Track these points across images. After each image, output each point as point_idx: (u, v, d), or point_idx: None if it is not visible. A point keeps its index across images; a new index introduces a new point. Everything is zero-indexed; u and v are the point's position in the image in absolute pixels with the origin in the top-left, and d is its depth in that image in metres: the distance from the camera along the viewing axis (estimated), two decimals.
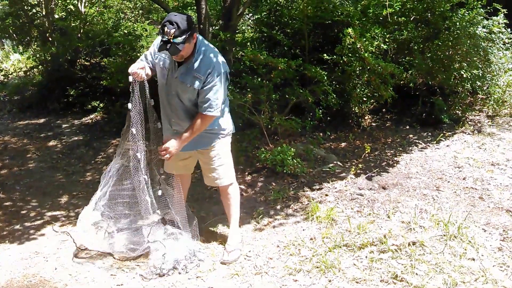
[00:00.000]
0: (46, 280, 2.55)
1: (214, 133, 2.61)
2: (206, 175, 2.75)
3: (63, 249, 2.88)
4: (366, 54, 4.04)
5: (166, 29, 2.24)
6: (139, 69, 2.43)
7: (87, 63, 7.04)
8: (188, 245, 2.68)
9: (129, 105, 2.45)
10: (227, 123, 2.66)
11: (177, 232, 2.71)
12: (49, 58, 6.91)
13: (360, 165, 3.92)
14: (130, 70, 2.44)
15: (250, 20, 6.22)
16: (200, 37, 2.47)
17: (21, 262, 2.74)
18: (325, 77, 4.22)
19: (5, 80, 8.65)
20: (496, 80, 4.84)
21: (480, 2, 4.56)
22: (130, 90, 2.43)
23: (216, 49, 2.53)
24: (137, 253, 2.68)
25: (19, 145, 5.50)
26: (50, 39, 6.96)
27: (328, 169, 3.94)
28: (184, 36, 2.26)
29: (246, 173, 3.98)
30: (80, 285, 2.49)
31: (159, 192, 2.63)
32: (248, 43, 5.39)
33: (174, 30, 2.24)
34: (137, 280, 2.52)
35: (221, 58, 2.49)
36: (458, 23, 4.48)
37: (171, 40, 2.24)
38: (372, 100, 4.79)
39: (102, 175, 2.77)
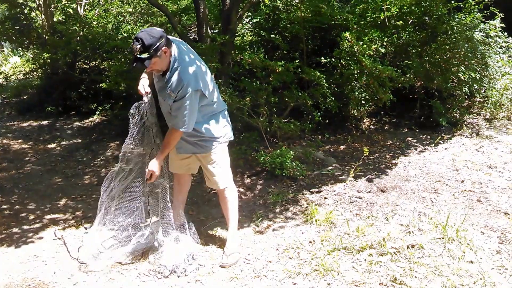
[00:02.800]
0: (45, 284, 2.54)
1: (208, 139, 2.63)
2: (206, 178, 2.79)
3: (62, 253, 2.88)
4: (362, 58, 4.06)
5: (133, 45, 2.33)
6: (142, 86, 2.57)
7: (86, 66, 7.05)
8: (188, 248, 2.68)
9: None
10: (221, 130, 2.67)
11: (177, 235, 2.72)
12: (48, 61, 6.91)
13: (358, 168, 3.93)
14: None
15: (249, 24, 6.24)
16: (177, 51, 2.45)
17: (20, 266, 2.73)
18: (324, 80, 4.23)
19: (4, 83, 8.65)
20: (494, 83, 4.87)
21: (477, 6, 4.59)
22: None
23: (195, 62, 2.51)
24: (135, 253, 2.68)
25: (18, 148, 5.50)
26: (49, 42, 6.96)
27: (327, 172, 3.95)
28: (150, 51, 2.32)
29: (245, 176, 3.99)
30: None
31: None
32: (247, 47, 5.41)
33: (139, 46, 2.32)
34: (136, 283, 2.52)
35: (197, 74, 2.46)
36: (455, 27, 4.51)
37: (138, 56, 2.33)
38: (371, 103, 4.81)
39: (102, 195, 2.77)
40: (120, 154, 2.72)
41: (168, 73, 2.46)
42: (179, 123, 2.46)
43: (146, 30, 2.38)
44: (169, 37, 2.45)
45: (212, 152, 2.65)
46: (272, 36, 5.07)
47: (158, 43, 2.33)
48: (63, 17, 7.49)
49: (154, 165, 2.54)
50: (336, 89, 4.56)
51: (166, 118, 2.63)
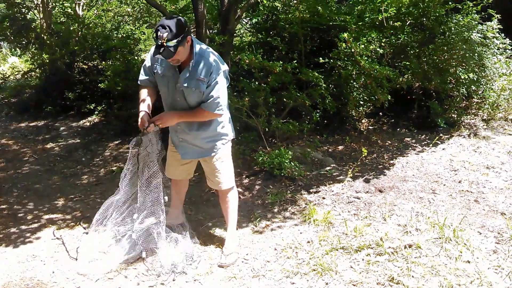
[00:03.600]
0: (43, 284, 2.54)
1: (218, 138, 2.62)
2: (210, 179, 2.77)
3: (60, 253, 2.87)
4: (360, 58, 4.08)
5: (159, 33, 2.26)
6: (143, 119, 2.46)
7: (84, 66, 7.05)
8: (186, 248, 2.69)
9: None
10: (229, 129, 2.69)
11: (175, 235, 2.72)
12: (47, 61, 6.91)
13: (357, 168, 3.94)
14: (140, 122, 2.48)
15: (247, 25, 6.26)
16: (195, 39, 2.49)
17: (18, 266, 2.73)
18: (322, 81, 4.25)
19: (3, 82, 8.65)
20: (491, 84, 4.90)
21: (475, 8, 4.62)
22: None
23: (210, 49, 2.55)
24: (133, 255, 2.68)
25: (16, 147, 5.49)
26: (47, 42, 6.97)
27: (325, 172, 3.97)
28: (177, 39, 2.27)
29: (244, 176, 3.99)
30: None
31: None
32: (246, 47, 5.42)
33: (167, 33, 2.25)
34: (135, 283, 2.52)
35: (218, 57, 2.51)
36: (453, 28, 4.54)
37: (165, 44, 2.26)
38: (369, 104, 4.83)
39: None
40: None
41: (190, 61, 2.43)
42: (214, 105, 2.44)
43: (171, 18, 2.30)
44: None
45: (218, 152, 2.64)
46: (271, 36, 5.08)
47: (184, 31, 2.31)
48: (62, 17, 7.50)
49: (166, 118, 2.49)
50: (334, 89, 4.58)
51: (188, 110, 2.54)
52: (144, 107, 2.52)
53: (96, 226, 2.73)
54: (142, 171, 2.59)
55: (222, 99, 2.47)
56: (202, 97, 2.47)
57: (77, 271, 2.65)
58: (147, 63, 2.60)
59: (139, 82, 2.65)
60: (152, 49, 2.47)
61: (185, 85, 2.45)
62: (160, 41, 2.26)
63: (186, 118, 2.54)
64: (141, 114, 2.48)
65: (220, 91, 2.45)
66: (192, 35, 2.50)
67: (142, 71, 2.64)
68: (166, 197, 2.68)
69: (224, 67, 2.50)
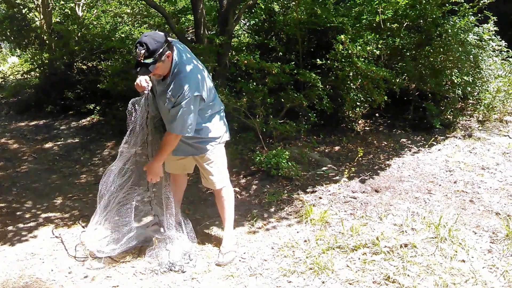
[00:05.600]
0: (42, 281, 2.56)
1: (208, 140, 2.64)
2: (203, 177, 2.81)
3: (59, 251, 2.90)
4: (357, 59, 4.11)
5: (137, 50, 2.30)
6: (141, 81, 2.54)
7: (84, 67, 7.07)
8: (184, 246, 2.71)
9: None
10: (219, 131, 2.69)
11: (173, 234, 2.74)
12: (46, 61, 6.93)
13: (353, 169, 3.97)
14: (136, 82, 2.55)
15: (246, 26, 6.29)
16: (177, 55, 2.45)
17: (17, 263, 2.75)
18: (319, 82, 4.27)
19: (3, 82, 8.66)
20: (486, 86, 4.93)
21: (471, 10, 4.65)
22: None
23: (196, 65, 2.51)
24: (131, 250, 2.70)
25: (15, 147, 5.51)
26: (47, 42, 6.98)
27: (322, 172, 3.99)
28: (153, 57, 2.30)
29: (241, 176, 4.02)
30: (76, 286, 2.51)
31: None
32: (244, 48, 5.45)
33: (143, 51, 2.28)
34: (133, 281, 2.54)
35: (197, 78, 2.45)
36: (449, 30, 4.56)
37: (142, 61, 2.29)
38: (366, 105, 4.86)
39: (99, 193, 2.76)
40: (119, 151, 2.72)
41: (168, 77, 2.45)
42: (177, 127, 2.45)
43: (150, 34, 2.33)
44: (169, 39, 2.44)
45: (210, 153, 2.66)
46: (269, 38, 5.11)
47: (162, 48, 2.32)
48: (62, 17, 7.52)
49: (152, 169, 2.57)
50: (331, 90, 4.60)
51: (165, 121, 2.63)
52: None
53: (95, 223, 2.75)
54: (154, 133, 2.66)
55: (189, 121, 2.44)
56: (168, 114, 2.49)
57: (75, 259, 2.70)
58: None
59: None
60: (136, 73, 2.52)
61: (159, 97, 2.54)
62: (138, 58, 2.30)
63: (161, 156, 2.57)
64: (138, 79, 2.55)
65: (186, 115, 2.42)
66: (180, 47, 2.51)
67: None
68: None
69: (197, 93, 2.41)
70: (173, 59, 2.43)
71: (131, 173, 2.75)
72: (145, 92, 2.57)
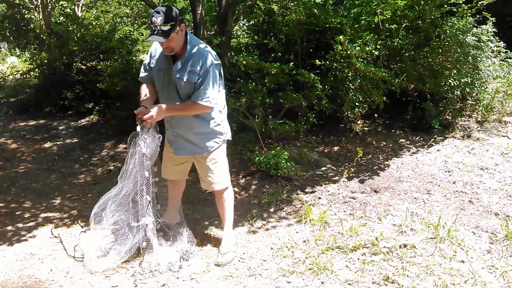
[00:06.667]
0: (41, 281, 2.55)
1: (212, 136, 2.62)
2: (202, 179, 2.78)
3: (58, 251, 2.89)
4: (355, 60, 4.12)
5: (153, 18, 2.33)
6: (142, 114, 2.44)
7: (83, 67, 7.07)
8: (183, 247, 2.71)
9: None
10: (225, 128, 2.70)
11: (172, 234, 2.75)
12: (46, 61, 6.93)
13: (352, 169, 3.98)
14: (137, 113, 2.47)
15: (245, 26, 6.29)
16: (190, 34, 2.53)
17: (16, 264, 2.75)
18: (318, 82, 4.28)
19: (2, 82, 8.65)
20: (485, 86, 4.94)
21: (469, 11, 4.66)
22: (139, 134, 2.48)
23: (205, 44, 2.58)
24: (130, 253, 2.70)
25: (15, 147, 5.50)
26: (46, 42, 6.98)
27: (321, 173, 4.00)
28: (170, 23, 2.33)
29: (241, 176, 4.02)
30: (75, 287, 2.51)
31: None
32: (243, 48, 5.45)
33: (160, 18, 2.32)
34: (132, 281, 2.54)
35: (211, 50, 2.54)
36: (448, 31, 4.57)
37: (158, 28, 2.32)
38: (365, 105, 4.86)
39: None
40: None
41: (184, 52, 2.46)
42: (201, 96, 2.43)
43: (165, 6, 2.40)
44: None
45: (213, 152, 2.65)
46: (268, 38, 5.11)
47: (178, 18, 2.37)
48: (61, 17, 7.52)
49: (156, 113, 2.45)
50: (330, 91, 4.61)
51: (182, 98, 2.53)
52: (145, 102, 2.56)
53: (94, 223, 2.74)
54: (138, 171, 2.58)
55: (213, 92, 2.46)
56: (194, 90, 2.47)
57: (74, 259, 2.68)
58: (146, 60, 2.65)
59: (139, 79, 2.71)
60: (151, 48, 2.54)
61: (178, 76, 2.47)
62: (154, 26, 2.33)
63: (175, 110, 2.54)
64: (138, 109, 2.50)
65: (211, 83, 2.45)
66: (187, 29, 2.53)
67: (142, 69, 2.69)
68: (159, 206, 2.70)
69: (217, 61, 2.52)
70: (186, 33, 2.46)
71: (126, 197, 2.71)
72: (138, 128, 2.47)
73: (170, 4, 6.62)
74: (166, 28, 2.32)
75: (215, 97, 2.50)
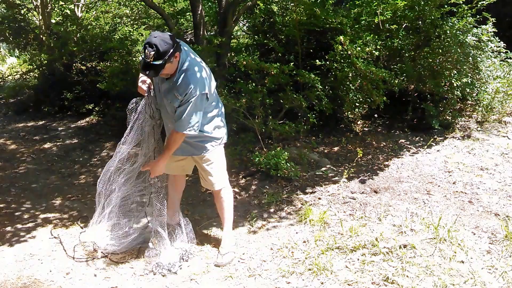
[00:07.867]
0: (40, 282, 2.56)
1: (208, 140, 2.64)
2: (202, 178, 2.81)
3: (57, 251, 2.89)
4: (356, 60, 4.11)
5: (146, 51, 2.31)
6: (142, 83, 2.54)
7: (83, 67, 7.07)
8: (183, 247, 2.71)
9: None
10: (220, 132, 2.70)
11: (172, 234, 2.74)
12: (45, 62, 6.93)
13: (352, 169, 3.97)
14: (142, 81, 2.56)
15: (245, 27, 6.29)
16: (185, 53, 2.48)
17: (15, 264, 2.75)
18: (319, 83, 4.28)
19: (1, 83, 8.66)
20: (485, 87, 4.93)
21: (470, 11, 4.66)
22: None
23: (201, 65, 2.53)
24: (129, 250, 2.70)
25: (14, 147, 5.50)
26: (46, 43, 6.99)
27: (321, 173, 4.00)
28: (164, 58, 2.31)
29: (240, 177, 4.02)
30: (74, 287, 2.51)
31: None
32: (243, 49, 5.46)
33: (153, 52, 2.29)
34: (131, 282, 2.54)
35: (203, 76, 2.48)
36: (448, 31, 4.57)
37: (151, 63, 2.31)
38: (365, 105, 4.86)
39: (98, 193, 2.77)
40: (116, 150, 2.71)
41: (175, 75, 2.46)
42: (184, 125, 2.45)
43: (159, 36, 2.33)
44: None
45: (210, 153, 2.66)
46: (268, 39, 5.11)
47: (171, 50, 2.33)
48: (61, 18, 7.52)
49: (156, 168, 2.57)
50: (330, 91, 4.61)
51: (167, 120, 2.63)
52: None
53: (93, 224, 2.74)
54: (153, 135, 2.67)
55: (195, 118, 2.46)
56: (174, 112, 2.49)
57: (74, 260, 2.69)
58: None
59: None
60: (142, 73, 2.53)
61: (164, 95, 2.53)
62: (147, 60, 2.31)
63: (169, 152, 2.57)
64: (142, 78, 2.56)
65: (193, 113, 2.44)
66: (185, 47, 2.51)
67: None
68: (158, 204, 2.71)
69: (206, 89, 2.46)
70: (180, 58, 2.44)
71: (129, 175, 2.74)
72: (145, 95, 2.57)
73: (170, 4, 6.65)
74: (158, 62, 2.31)
75: (199, 121, 2.50)
